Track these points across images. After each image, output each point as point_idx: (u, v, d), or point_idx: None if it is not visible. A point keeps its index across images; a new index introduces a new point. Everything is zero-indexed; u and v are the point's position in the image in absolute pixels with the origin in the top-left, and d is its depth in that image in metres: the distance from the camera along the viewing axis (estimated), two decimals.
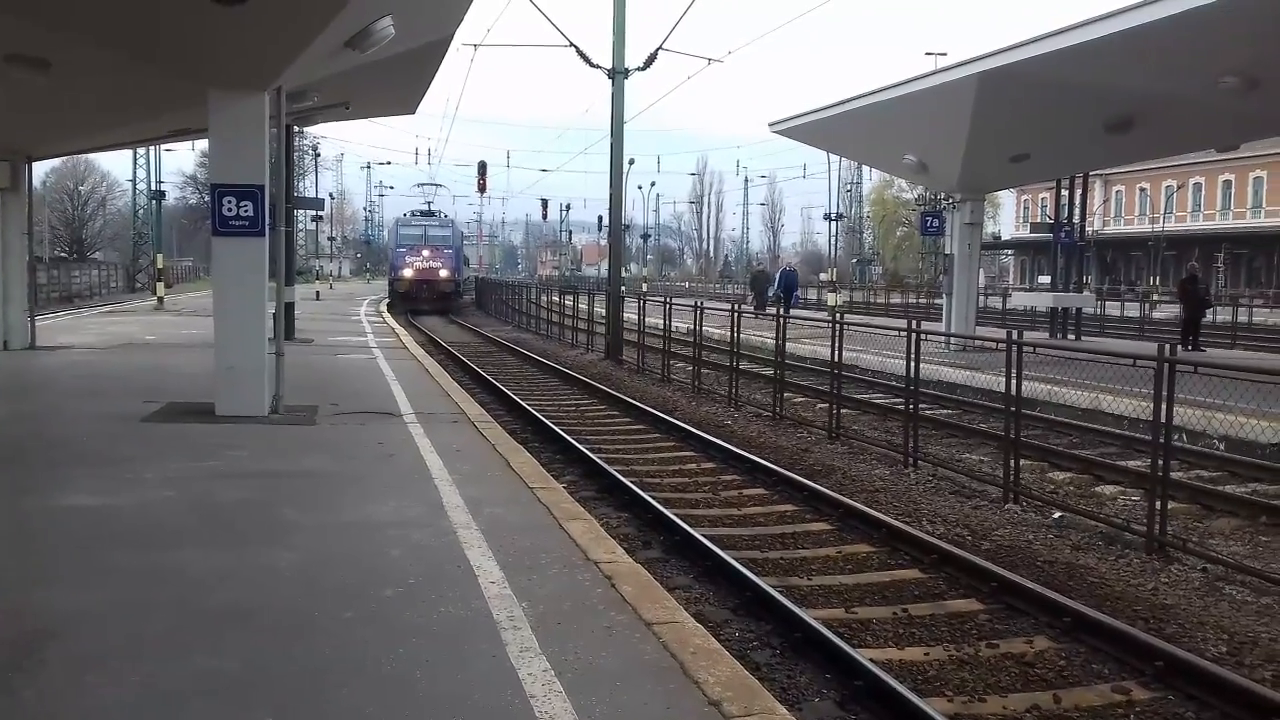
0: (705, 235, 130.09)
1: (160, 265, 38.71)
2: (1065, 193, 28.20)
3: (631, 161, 45.85)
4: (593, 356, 24.97)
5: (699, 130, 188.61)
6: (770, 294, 36.76)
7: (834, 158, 56.55)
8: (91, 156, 62.99)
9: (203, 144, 44.56)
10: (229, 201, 10.43)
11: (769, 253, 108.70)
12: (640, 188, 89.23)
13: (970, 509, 9.70)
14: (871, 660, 5.62)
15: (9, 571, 5.49)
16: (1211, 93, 14.94)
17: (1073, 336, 26.27)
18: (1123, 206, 75.70)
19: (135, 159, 54.91)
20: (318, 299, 42.70)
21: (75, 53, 10.18)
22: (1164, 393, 8.24)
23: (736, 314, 18.24)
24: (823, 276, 64.06)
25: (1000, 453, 10.72)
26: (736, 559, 7.44)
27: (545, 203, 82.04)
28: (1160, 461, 8.33)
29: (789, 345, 16.78)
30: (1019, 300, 40.96)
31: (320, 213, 58.14)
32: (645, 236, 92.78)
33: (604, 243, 45.92)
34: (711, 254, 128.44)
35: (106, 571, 5.47)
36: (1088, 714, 5.30)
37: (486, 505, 7.07)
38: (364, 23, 10.03)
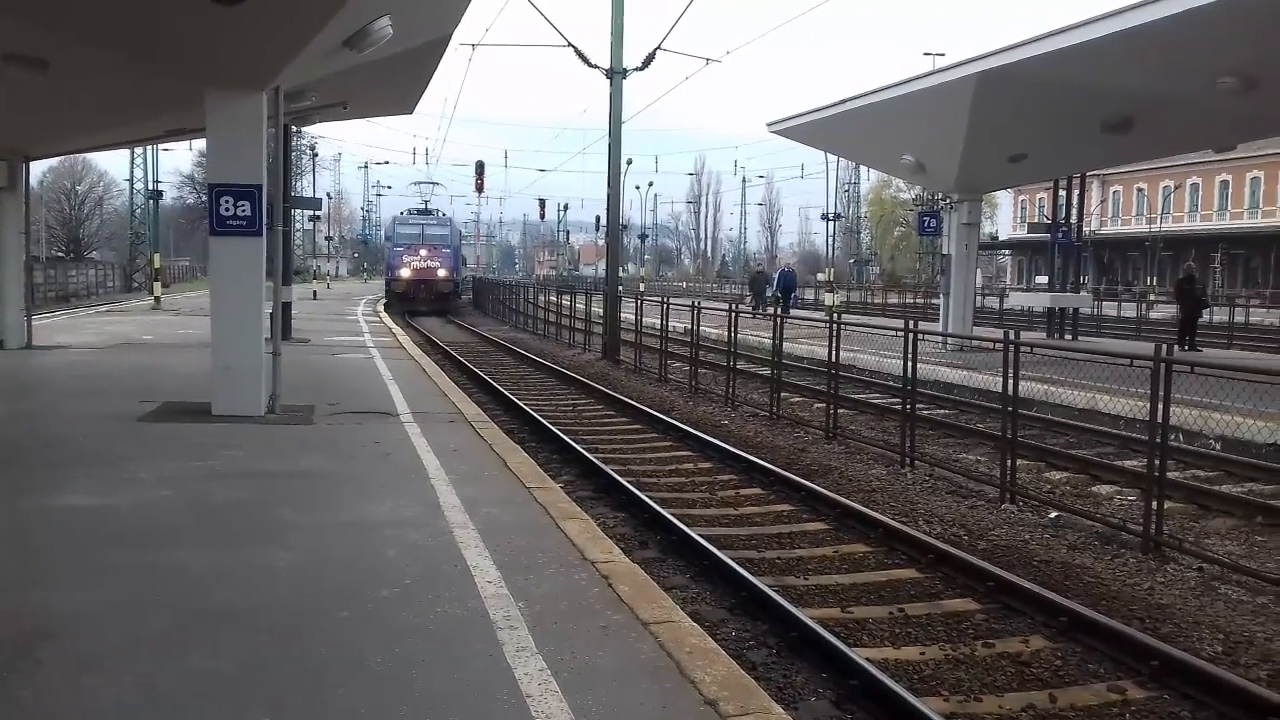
0: (703, 235, 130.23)
1: (157, 265, 38.70)
2: (1063, 193, 28.23)
3: (629, 161, 45.83)
4: (590, 356, 24.98)
5: (697, 130, 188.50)
6: (769, 294, 36.78)
7: (832, 158, 56.56)
8: (89, 156, 63.04)
9: (200, 144, 44.56)
10: (226, 201, 10.43)
11: (766, 253, 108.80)
12: (638, 187, 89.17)
13: (967, 509, 9.71)
14: (868, 660, 5.62)
15: (5, 571, 5.48)
16: (1209, 93, 14.96)
17: (1070, 337, 26.30)
18: (1120, 207, 75.75)
19: (132, 158, 54.86)
20: (315, 299, 42.67)
21: (73, 52, 10.17)
22: (1160, 393, 8.26)
23: (734, 314, 18.26)
24: (820, 276, 64.08)
25: (997, 453, 10.72)
26: (733, 558, 7.45)
27: (543, 202, 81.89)
28: (1157, 461, 8.34)
29: (786, 345, 16.78)
30: (1016, 300, 41.02)
31: (317, 212, 58.15)
32: (643, 236, 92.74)
33: (601, 243, 45.87)
34: (709, 254, 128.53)
35: (103, 571, 5.47)
36: (1083, 713, 5.31)
37: (483, 505, 7.07)
38: (362, 22, 10.03)
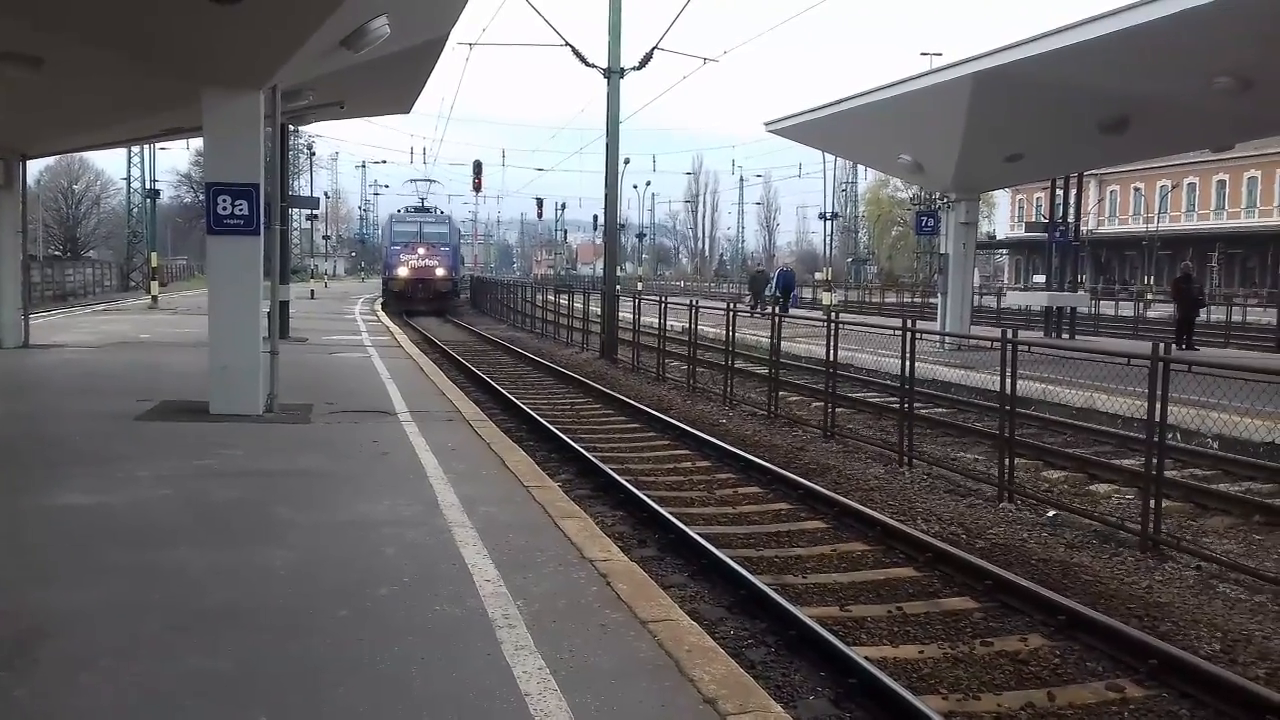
0: (700, 234, 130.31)
1: (154, 264, 38.66)
2: (1060, 192, 28.25)
3: (627, 161, 45.94)
4: (588, 355, 24.98)
5: (695, 129, 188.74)
6: (768, 294, 36.81)
7: (829, 157, 56.60)
8: (86, 155, 62.93)
9: (197, 142, 44.36)
10: (224, 200, 10.41)
11: (764, 252, 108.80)
12: (636, 187, 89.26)
13: (965, 507, 9.72)
14: (866, 658, 5.62)
15: (2, 571, 5.47)
16: (1206, 93, 14.97)
17: (1067, 335, 26.32)
18: (1117, 206, 75.84)
19: (130, 157, 54.91)
20: (312, 298, 42.57)
21: (69, 51, 10.15)
22: (1158, 391, 8.26)
23: (731, 313, 18.26)
24: (818, 276, 64.14)
25: (995, 451, 10.73)
26: (731, 557, 7.45)
27: (540, 202, 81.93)
28: (1154, 460, 8.34)
29: (784, 345, 16.79)
30: (1014, 299, 41.02)
31: (315, 212, 58.11)
32: (641, 236, 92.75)
33: (599, 242, 45.80)
34: (707, 253, 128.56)
35: (100, 570, 5.46)
36: (1082, 712, 5.31)
37: (481, 504, 7.07)
38: (359, 22, 10.02)
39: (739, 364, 17.72)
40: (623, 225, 51.29)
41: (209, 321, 10.81)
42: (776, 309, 26.94)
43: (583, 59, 23.53)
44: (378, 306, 39.55)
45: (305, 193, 57.46)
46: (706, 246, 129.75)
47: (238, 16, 8.76)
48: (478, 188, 54.13)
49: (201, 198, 14.12)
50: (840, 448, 12.78)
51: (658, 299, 23.14)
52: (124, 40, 9.92)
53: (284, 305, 18.50)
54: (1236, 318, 34.67)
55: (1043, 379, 14.59)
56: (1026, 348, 11.33)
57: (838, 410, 14.01)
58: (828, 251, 68.68)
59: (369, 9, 9.96)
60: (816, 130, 24.60)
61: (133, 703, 3.88)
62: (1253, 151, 56.57)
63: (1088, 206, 56.32)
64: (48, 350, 17.21)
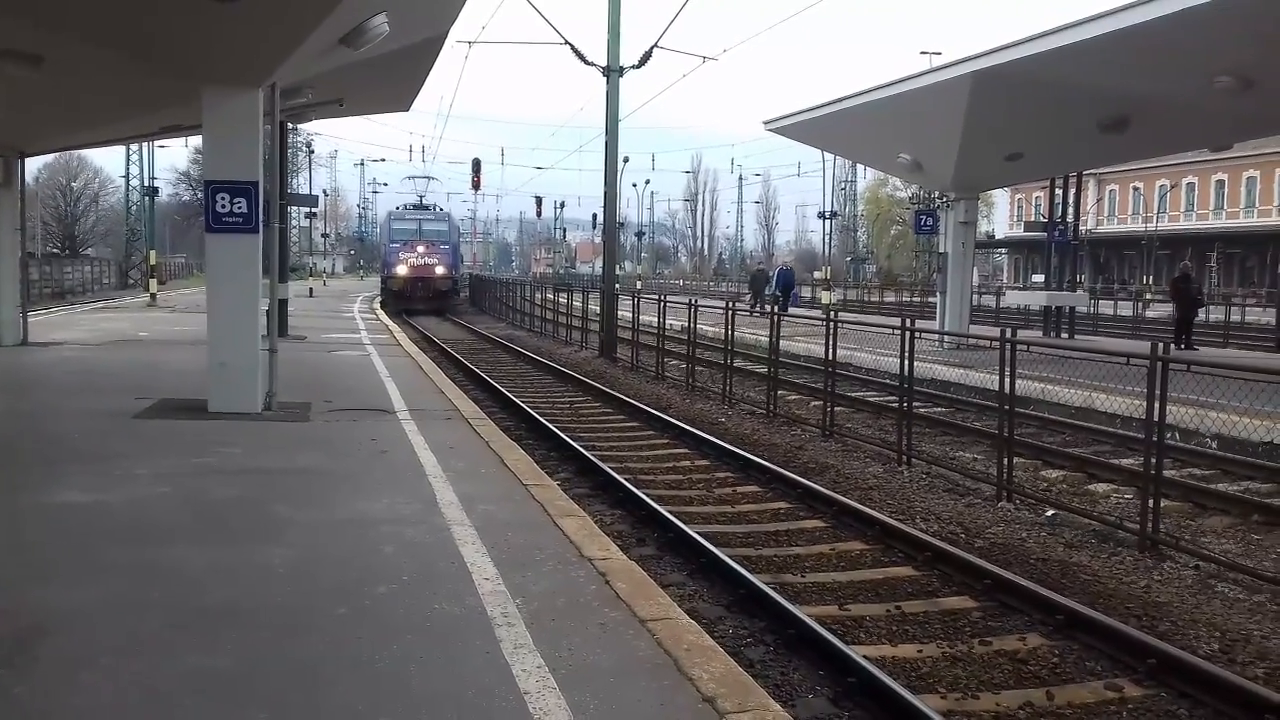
0: (700, 233, 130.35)
1: (153, 261, 38.65)
2: (1059, 192, 28.24)
3: (626, 159, 45.80)
4: (587, 354, 24.97)
5: (694, 128, 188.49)
6: (768, 293, 36.80)
7: (829, 156, 56.69)
8: (84, 152, 63.01)
9: (196, 140, 44.32)
10: (223, 198, 10.40)
11: (764, 250, 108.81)
12: (635, 185, 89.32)
13: (964, 507, 9.72)
14: (865, 657, 5.62)
15: (1, 568, 5.47)
16: (1206, 92, 14.97)
17: (1066, 335, 26.33)
18: (1116, 205, 75.86)
19: (128, 155, 54.85)
20: (311, 296, 42.53)
21: (69, 49, 10.14)
22: (1157, 391, 8.26)
23: (730, 312, 18.26)
24: (817, 275, 64.19)
25: (994, 451, 10.73)
26: (730, 556, 7.45)
27: (539, 200, 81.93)
28: (1153, 460, 8.34)
29: (783, 343, 16.79)
30: (1012, 299, 41.04)
31: (314, 210, 57.92)
32: (640, 234, 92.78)
33: (598, 240, 45.76)
34: (706, 252, 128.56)
35: (99, 568, 5.46)
36: (1080, 711, 5.31)
37: (480, 502, 7.07)
38: (358, 20, 10.01)
39: (738, 363, 17.72)
40: (622, 224, 51.29)
41: (208, 319, 10.81)
42: (776, 308, 26.94)
43: (582, 57, 23.53)
44: (377, 305, 39.48)
45: (304, 191, 57.37)
46: (705, 245, 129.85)
47: (237, 14, 8.76)
48: (477, 186, 54.11)
49: (200, 195, 14.11)
50: (839, 447, 12.78)
51: (657, 298, 23.13)
52: (123, 38, 9.91)
53: (283, 303, 18.45)
54: (1235, 317, 34.68)
55: (1042, 378, 14.60)
56: (1025, 347, 11.33)
57: (837, 409, 14.01)
58: (826, 250, 68.78)
59: (368, 7, 9.95)
60: (816, 129, 24.61)
61: (132, 701, 3.88)
62: (1251, 151, 56.59)
63: (1087, 206, 56.33)
64: (46, 348, 17.20)
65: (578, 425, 13.94)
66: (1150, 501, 8.26)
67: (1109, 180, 73.18)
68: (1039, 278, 54.86)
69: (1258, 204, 64.83)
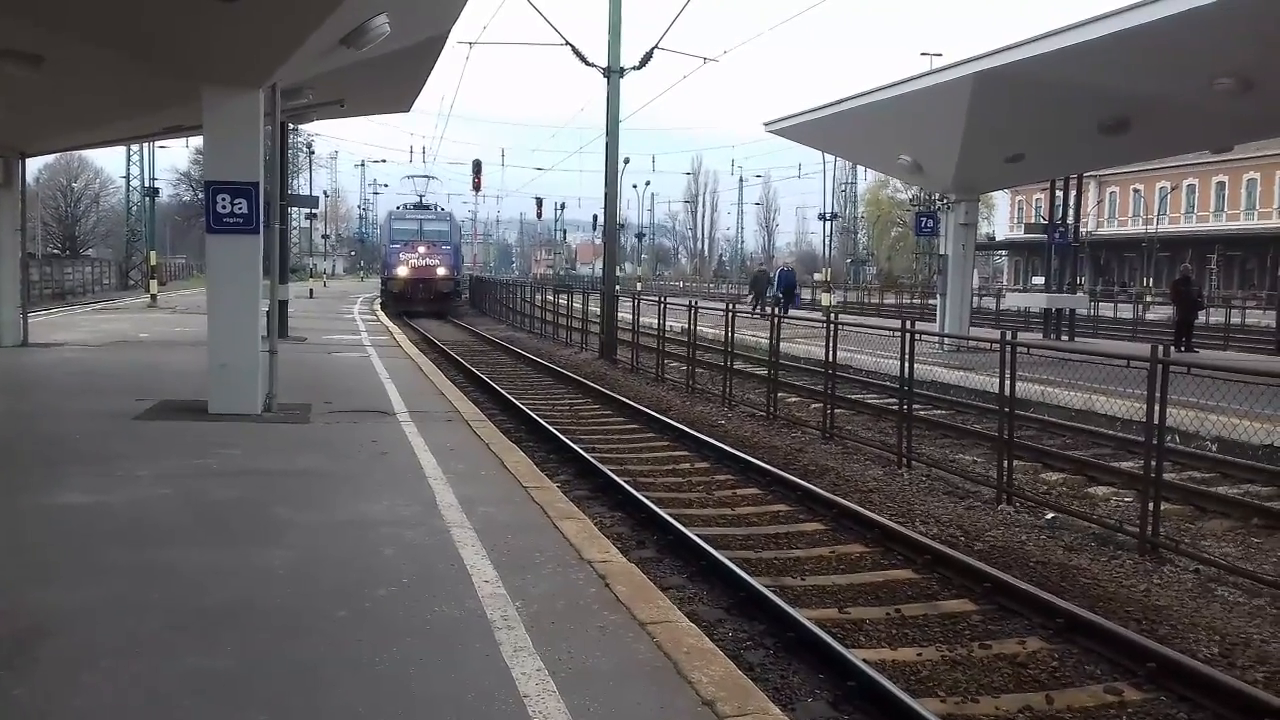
0: (700, 235, 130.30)
1: (153, 262, 38.65)
2: (1059, 194, 28.26)
3: (627, 160, 45.80)
4: (587, 355, 24.97)
5: (694, 129, 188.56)
6: (770, 294, 36.77)
7: (829, 158, 56.70)
8: (85, 153, 62.96)
9: (197, 141, 44.28)
10: (223, 199, 10.41)
11: (764, 252, 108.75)
12: (635, 187, 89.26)
13: (963, 510, 9.72)
14: (865, 660, 5.62)
15: (2, 570, 5.47)
16: (1207, 94, 14.98)
17: (1066, 337, 26.33)
18: (1116, 207, 75.86)
19: (129, 156, 54.81)
20: (311, 297, 42.45)
21: (69, 49, 10.15)
22: (1157, 394, 8.26)
23: (731, 314, 18.26)
24: (817, 277, 64.17)
25: (994, 453, 10.73)
26: (730, 559, 7.45)
27: (540, 201, 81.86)
28: (1153, 463, 8.34)
29: (783, 345, 16.79)
30: (1013, 301, 40.99)
31: (314, 210, 57.95)
32: (640, 236, 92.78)
33: (598, 242, 45.72)
34: (706, 253, 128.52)
35: (99, 570, 5.46)
36: (1080, 715, 5.31)
37: (480, 504, 7.07)
38: (359, 20, 10.02)
39: (738, 365, 17.72)
40: (622, 225, 51.27)
41: (208, 320, 10.81)
42: (777, 309, 26.95)
43: (583, 58, 23.53)
44: (377, 306, 39.42)
45: (304, 191, 57.32)
46: (706, 247, 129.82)
47: (238, 15, 8.77)
48: (477, 187, 53.88)
49: (201, 196, 14.11)
50: (839, 449, 12.77)
51: (657, 299, 23.13)
52: (124, 39, 9.92)
53: (283, 304, 18.48)
54: (1235, 320, 34.67)
55: (1042, 381, 14.60)
56: (1025, 349, 11.32)
57: (837, 411, 14.01)
58: (827, 252, 68.76)
59: (369, 7, 9.95)
60: (816, 130, 24.62)
61: (132, 702, 3.88)
62: (1252, 153, 56.59)
63: (1087, 208, 56.36)
64: (47, 349, 17.20)
65: (578, 427, 13.94)
66: (1150, 505, 8.25)
67: (1109, 182, 73.20)
68: (1039, 280, 54.87)
69: (1258, 206, 64.81)
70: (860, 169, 76.93)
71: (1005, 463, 10.06)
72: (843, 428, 13.71)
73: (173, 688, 4.00)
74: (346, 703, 3.91)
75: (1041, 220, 32.19)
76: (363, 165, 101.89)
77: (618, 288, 25.99)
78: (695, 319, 18.84)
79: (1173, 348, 10.75)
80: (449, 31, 13.35)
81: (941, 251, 24.24)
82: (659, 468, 11.40)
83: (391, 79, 14.99)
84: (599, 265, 39.18)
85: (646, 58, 23.54)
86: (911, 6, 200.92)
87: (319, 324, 25.93)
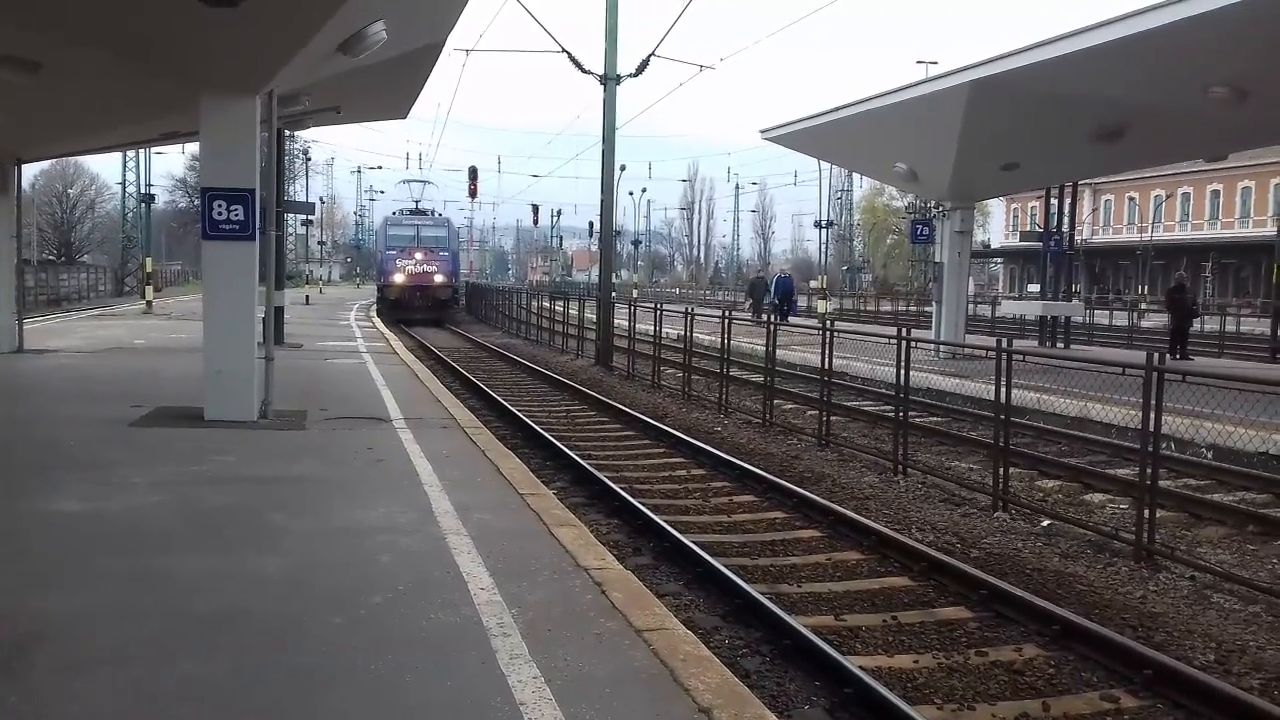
0: (696, 242, 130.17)
1: (149, 269, 38.62)
2: (1054, 201, 28.33)
3: (623, 167, 45.85)
4: (583, 362, 24.97)
5: (691, 137, 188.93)
6: (767, 301, 36.79)
7: (825, 165, 56.81)
8: (81, 159, 62.73)
9: (193, 147, 44.26)
10: (219, 205, 10.39)
11: (760, 259, 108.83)
12: (631, 194, 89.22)
13: (959, 517, 9.72)
14: (861, 667, 5.62)
15: None
16: (1201, 103, 15.04)
17: (1062, 345, 26.37)
18: (1111, 215, 76.07)
19: (125, 162, 54.88)
20: (307, 304, 42.40)
21: (66, 55, 10.15)
22: (1152, 401, 8.28)
23: (727, 320, 18.27)
24: (813, 284, 64.23)
25: (989, 461, 10.74)
26: (726, 566, 7.44)
27: (536, 208, 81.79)
28: (1149, 470, 8.35)
29: (779, 352, 16.79)
30: (1008, 308, 41.04)
31: (310, 217, 57.87)
32: (636, 243, 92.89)
33: (595, 248, 45.72)
34: (702, 260, 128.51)
35: (95, 576, 5.45)
36: None
37: (476, 511, 7.06)
38: (356, 27, 10.03)
39: (734, 372, 17.73)
40: (618, 232, 51.29)
41: (204, 327, 10.80)
42: (774, 316, 26.97)
43: (579, 66, 23.56)
44: (373, 313, 39.33)
45: (301, 198, 57.16)
46: (702, 254, 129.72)
47: (235, 21, 8.76)
48: (474, 194, 53.65)
49: (197, 203, 14.10)
50: (835, 456, 12.78)
51: (653, 306, 23.14)
52: (121, 45, 9.92)
53: (279, 311, 18.47)
54: (1230, 327, 34.73)
55: (1037, 388, 14.61)
56: (1021, 357, 11.34)
57: (833, 418, 14.02)
58: (823, 259, 68.90)
59: (367, 14, 9.96)
60: (812, 138, 24.68)
61: (128, 708, 3.87)
62: (1247, 161, 56.69)
63: (1082, 216, 56.40)
64: (42, 355, 17.18)
65: (574, 434, 13.93)
66: (1146, 512, 8.26)
67: (1104, 190, 73.41)
68: (1034, 287, 54.88)
69: (1253, 214, 65.00)
70: (856, 177, 77.03)
71: (1001, 470, 10.07)
72: (839, 435, 13.72)
73: (168, 694, 3.99)
74: (342, 710, 3.90)
75: (1037, 228, 32.36)
76: (359, 171, 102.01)
77: (614, 295, 26.00)
78: (691, 326, 18.84)
79: (1168, 355, 10.78)
80: (445, 39, 13.37)
81: (937, 259, 24.32)
82: (655, 474, 11.40)
83: (388, 86, 15.00)
84: (595, 272, 39.19)
85: (643, 65, 23.59)
86: (907, 15, 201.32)
87: (315, 330, 25.90)
